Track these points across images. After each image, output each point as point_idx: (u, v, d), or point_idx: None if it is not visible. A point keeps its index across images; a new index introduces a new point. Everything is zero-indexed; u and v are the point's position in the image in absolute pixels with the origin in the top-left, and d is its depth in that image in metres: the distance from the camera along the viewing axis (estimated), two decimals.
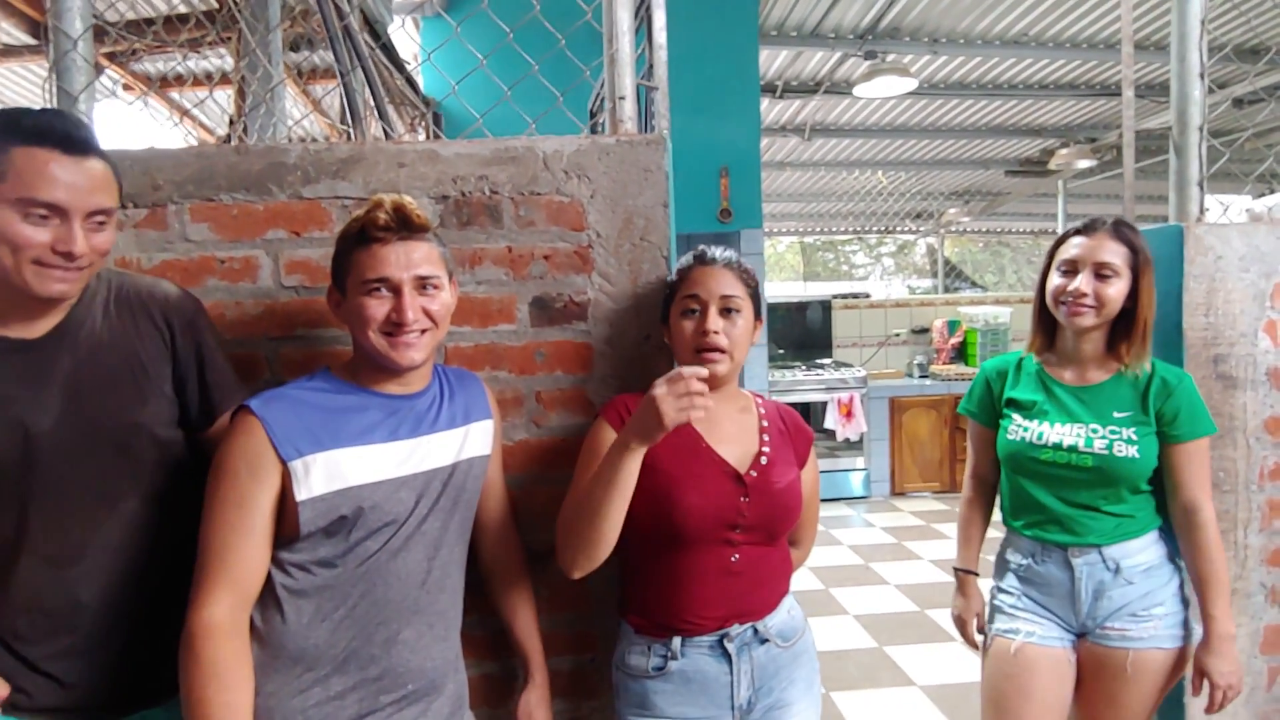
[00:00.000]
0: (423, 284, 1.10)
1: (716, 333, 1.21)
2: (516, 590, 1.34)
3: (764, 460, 1.26)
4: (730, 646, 1.23)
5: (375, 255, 1.08)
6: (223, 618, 0.99)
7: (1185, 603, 1.49)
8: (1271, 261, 1.61)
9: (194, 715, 0.97)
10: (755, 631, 1.25)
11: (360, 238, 1.09)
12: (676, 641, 1.22)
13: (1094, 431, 1.45)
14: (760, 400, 1.37)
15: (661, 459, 1.19)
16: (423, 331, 1.10)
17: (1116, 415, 1.45)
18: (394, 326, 1.07)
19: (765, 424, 1.32)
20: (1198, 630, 1.48)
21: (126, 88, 3.97)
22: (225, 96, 3.74)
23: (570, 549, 1.14)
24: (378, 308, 1.08)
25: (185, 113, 3.59)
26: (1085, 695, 1.52)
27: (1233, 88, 5.00)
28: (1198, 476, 1.44)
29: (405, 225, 1.08)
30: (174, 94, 4.12)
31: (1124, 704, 1.45)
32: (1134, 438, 1.43)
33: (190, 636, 0.99)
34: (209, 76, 3.65)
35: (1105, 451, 1.44)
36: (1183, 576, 1.50)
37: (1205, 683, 1.44)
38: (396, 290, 1.08)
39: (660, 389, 1.04)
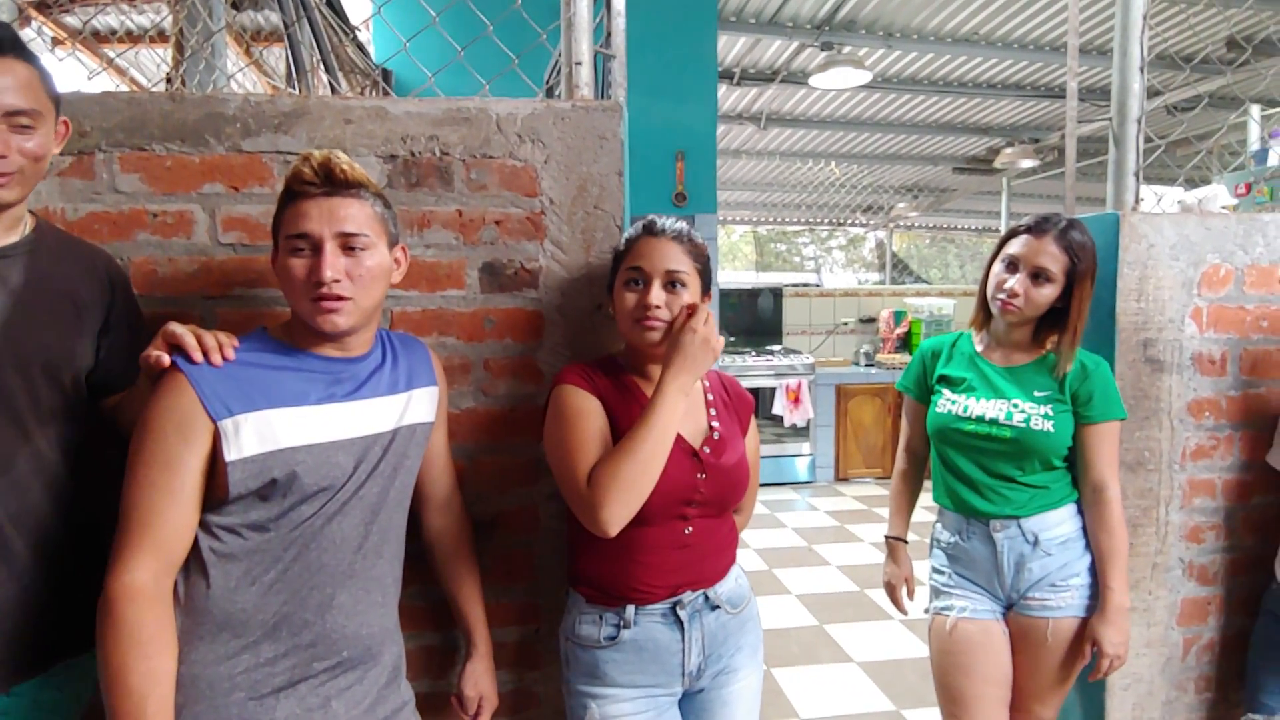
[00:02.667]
0: (348, 243, 1.05)
1: (658, 306, 1.19)
2: (461, 561, 1.32)
3: (716, 436, 1.27)
4: (682, 614, 1.23)
5: (298, 210, 1.04)
6: (145, 582, 0.95)
7: None
8: (1200, 251, 1.68)
9: (112, 683, 0.93)
10: (706, 598, 1.26)
11: (288, 193, 1.06)
12: (630, 610, 1.22)
13: (1015, 407, 1.53)
14: None
15: (621, 430, 1.19)
16: (348, 295, 1.05)
17: (1037, 394, 1.54)
18: (316, 287, 1.03)
19: (710, 397, 1.32)
20: None
21: (56, 42, 3.76)
22: (163, 54, 3.57)
23: (622, 504, 1.09)
24: (301, 266, 1.04)
25: (111, 63, 3.41)
26: (1013, 664, 1.58)
27: (1167, 94, 5.21)
28: (1106, 456, 1.52)
29: (330, 180, 1.04)
30: (108, 50, 3.92)
31: (1046, 670, 1.52)
32: (1050, 414, 1.51)
33: (110, 601, 0.94)
34: (145, 33, 3.48)
35: (1023, 425, 1.51)
36: None
37: (1094, 650, 1.49)
38: (318, 247, 1.03)
39: (700, 328, 1.17)
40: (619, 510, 1.10)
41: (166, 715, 0.95)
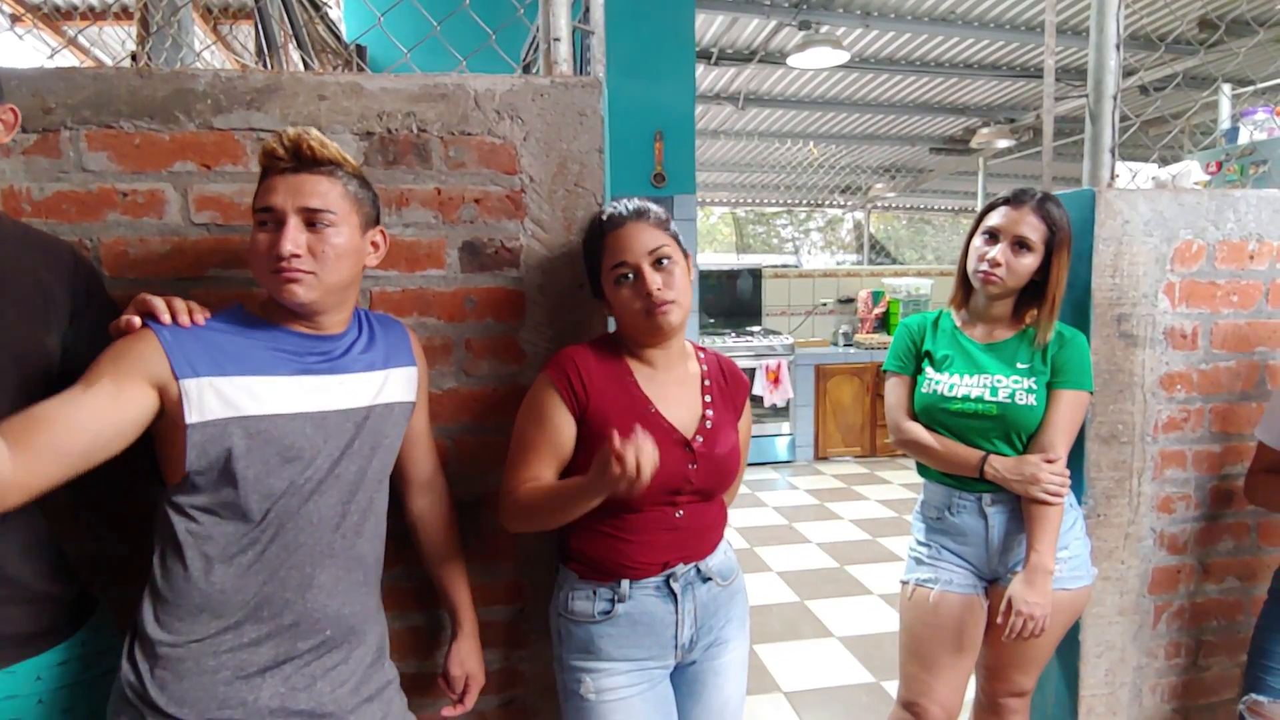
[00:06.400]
0: (311, 218, 1.04)
1: (660, 289, 1.19)
2: (444, 541, 1.32)
3: (709, 424, 1.27)
4: (676, 586, 1.24)
5: (267, 185, 1.05)
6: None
7: (1087, 544, 1.59)
8: (1173, 227, 1.70)
9: None
10: (698, 570, 1.27)
11: (262, 170, 1.07)
12: (625, 584, 1.23)
13: (998, 382, 1.54)
14: (701, 353, 1.36)
15: (611, 425, 1.18)
16: (309, 270, 1.03)
17: (1019, 367, 1.55)
18: (276, 260, 1.02)
19: (707, 382, 1.32)
20: (1094, 570, 1.60)
21: (15, 19, 3.64)
22: (128, 31, 3.47)
23: (523, 528, 1.24)
24: (264, 240, 1.04)
25: (72, 40, 3.31)
26: (996, 635, 1.60)
27: (1142, 73, 5.26)
28: (1063, 424, 1.52)
29: (298, 156, 1.04)
30: (69, 28, 3.81)
31: (1031, 643, 1.53)
32: (1033, 387, 1.53)
33: None
34: (108, 8, 3.37)
35: (1008, 400, 1.52)
36: (1083, 520, 1.60)
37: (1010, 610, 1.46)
38: (281, 222, 1.03)
39: (628, 466, 0.98)
40: (520, 529, 1.25)
41: None
